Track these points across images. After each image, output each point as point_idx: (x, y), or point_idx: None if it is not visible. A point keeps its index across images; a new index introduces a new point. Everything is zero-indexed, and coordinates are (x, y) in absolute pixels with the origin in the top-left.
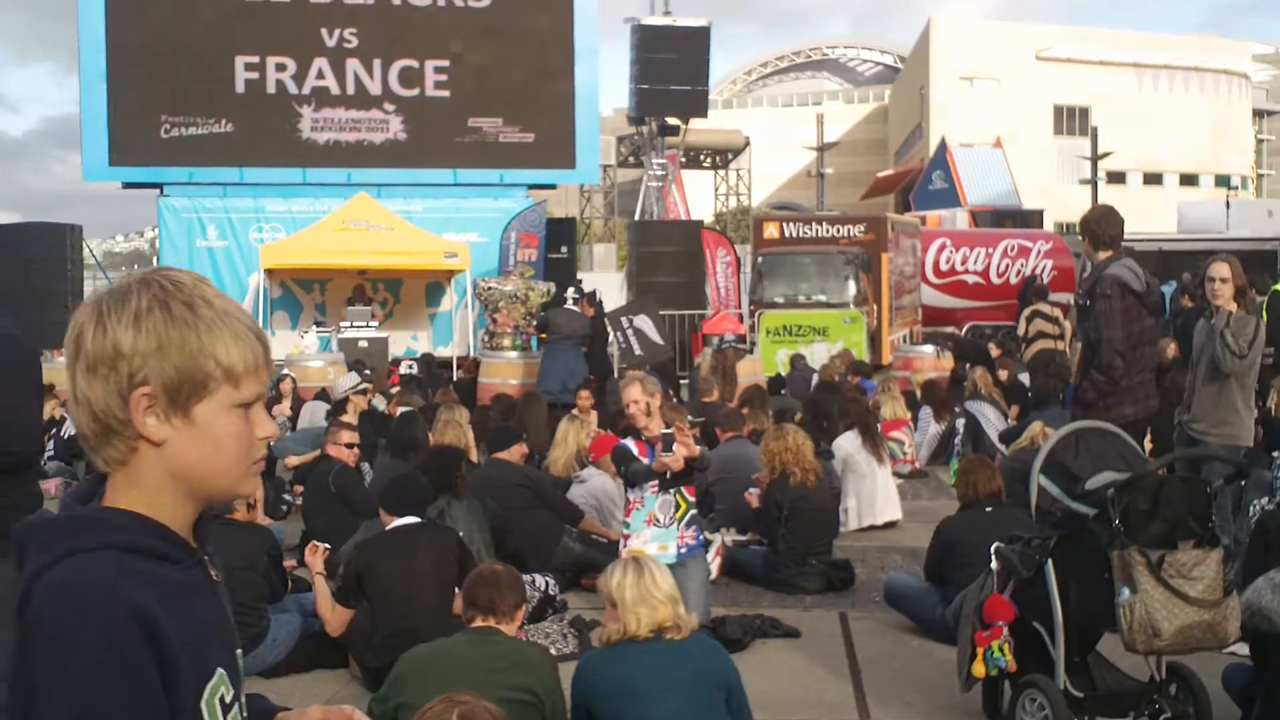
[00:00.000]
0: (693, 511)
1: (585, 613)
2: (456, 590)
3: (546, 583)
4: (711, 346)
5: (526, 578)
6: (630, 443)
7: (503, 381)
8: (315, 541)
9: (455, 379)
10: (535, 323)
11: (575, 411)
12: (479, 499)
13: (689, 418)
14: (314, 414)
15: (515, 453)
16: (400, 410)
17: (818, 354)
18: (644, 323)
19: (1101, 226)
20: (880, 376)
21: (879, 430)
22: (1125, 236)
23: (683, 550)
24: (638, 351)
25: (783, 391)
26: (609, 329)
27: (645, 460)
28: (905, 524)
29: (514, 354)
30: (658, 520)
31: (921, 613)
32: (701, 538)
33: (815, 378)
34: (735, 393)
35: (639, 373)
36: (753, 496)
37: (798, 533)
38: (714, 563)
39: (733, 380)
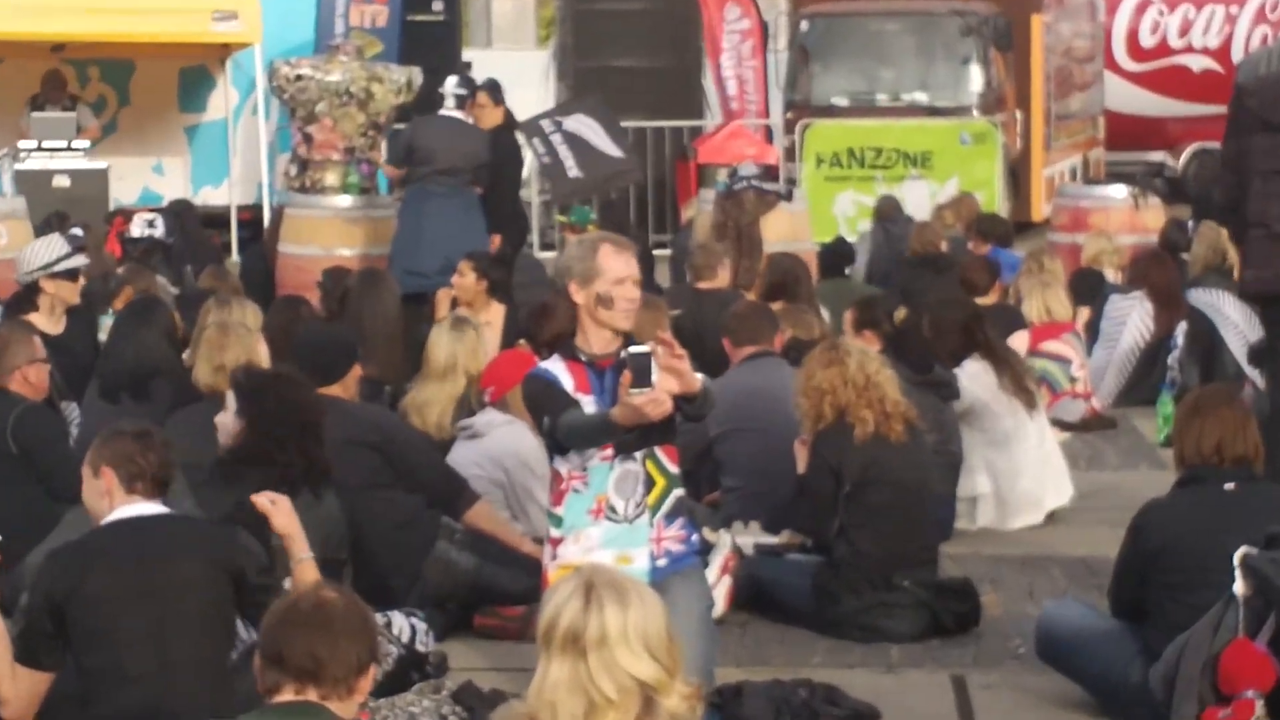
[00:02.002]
0: (677, 493)
1: (481, 676)
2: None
3: (411, 625)
4: (715, 188)
5: (379, 618)
6: (557, 368)
7: (326, 253)
8: None
9: (237, 247)
10: (386, 145)
11: (460, 307)
12: (330, 485)
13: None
14: None
15: (349, 383)
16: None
17: (913, 200)
18: (582, 124)
19: None
20: (1028, 244)
21: (1016, 357)
22: None
23: (660, 563)
24: (574, 172)
25: (846, 271)
26: (523, 145)
27: (591, 404)
28: (1073, 512)
29: (345, 201)
30: (612, 510)
31: (1105, 674)
32: (696, 540)
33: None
34: (758, 271)
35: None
36: (802, 451)
37: (874, 528)
38: (720, 586)
39: (754, 250)
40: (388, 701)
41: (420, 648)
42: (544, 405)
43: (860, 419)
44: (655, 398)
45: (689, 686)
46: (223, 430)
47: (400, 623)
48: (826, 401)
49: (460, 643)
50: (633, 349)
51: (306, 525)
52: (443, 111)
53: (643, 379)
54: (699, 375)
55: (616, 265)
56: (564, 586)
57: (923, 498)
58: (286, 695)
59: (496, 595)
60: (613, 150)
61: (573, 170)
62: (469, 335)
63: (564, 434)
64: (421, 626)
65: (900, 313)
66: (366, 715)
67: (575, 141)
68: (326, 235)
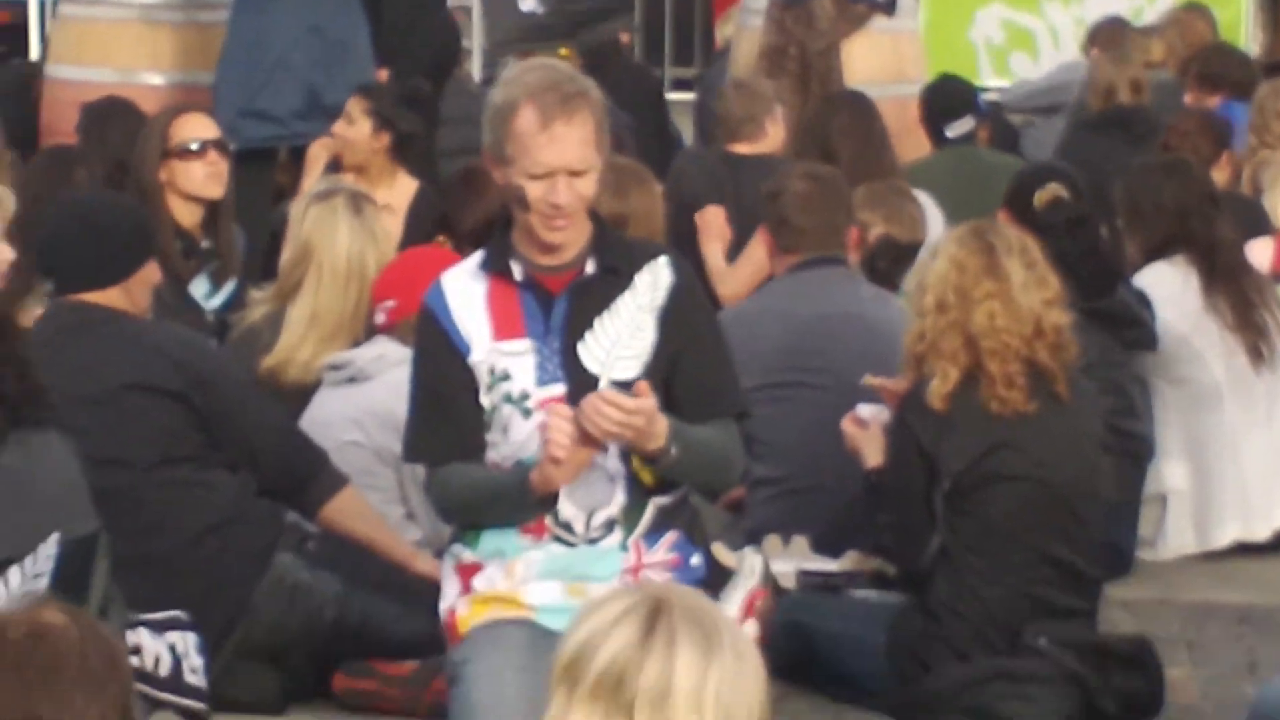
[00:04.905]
0: (665, 499)
1: None
2: None
3: (171, 650)
4: None
5: (154, 645)
6: (466, 292)
7: (122, 78)
8: None
9: None
10: None
11: (346, 174)
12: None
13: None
14: None
15: (137, 288)
16: None
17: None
18: None
19: None
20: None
21: (1252, 274)
22: None
23: None
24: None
25: (965, 130)
26: None
27: (527, 362)
28: None
29: None
30: (566, 527)
31: None
32: (699, 564)
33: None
34: (825, 131)
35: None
36: (862, 434)
37: (994, 554)
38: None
39: (829, 93)
40: None
41: (192, 677)
42: (418, 403)
43: (986, 371)
44: (550, 450)
45: None
46: None
47: (152, 646)
48: (943, 327)
49: (309, 718)
50: (620, 374)
51: (23, 485)
52: None
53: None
54: (665, 420)
55: (541, 145)
56: (612, 604)
57: (1079, 507)
58: None
59: (372, 642)
60: None
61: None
62: (379, 222)
63: (446, 509)
64: (189, 640)
65: (1046, 192)
66: None
67: None
68: (123, 49)
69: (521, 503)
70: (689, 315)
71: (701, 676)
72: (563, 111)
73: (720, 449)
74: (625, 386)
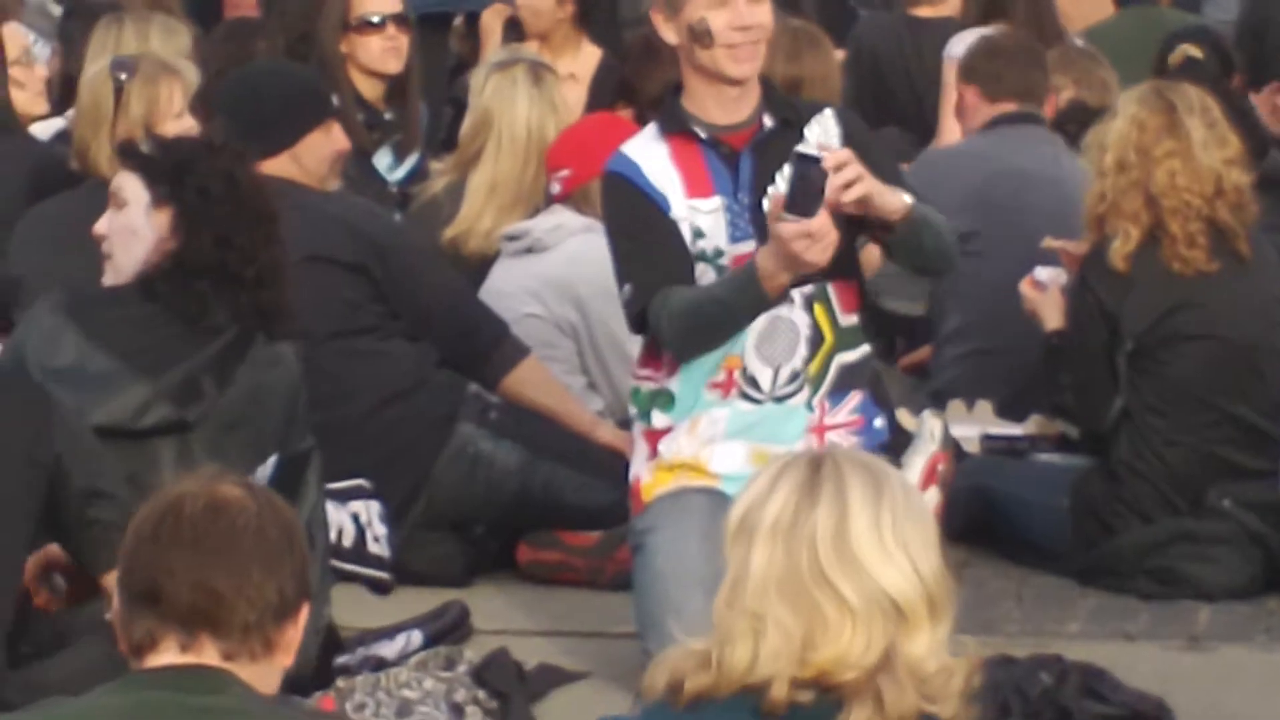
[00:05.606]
0: (849, 356)
1: (524, 643)
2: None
3: (354, 519)
4: None
5: (337, 516)
6: (651, 154)
7: None
8: None
9: None
10: None
11: (530, 41)
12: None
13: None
14: None
15: (307, 155)
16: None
17: None
18: None
19: None
20: None
21: None
22: None
23: None
24: None
25: None
26: None
27: (718, 221)
28: None
29: None
30: (752, 382)
31: None
32: (881, 426)
33: None
34: None
35: None
36: (1040, 297)
37: (1176, 416)
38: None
39: None
40: (367, 680)
41: (375, 547)
42: (628, 255)
43: (1169, 230)
44: (806, 228)
45: (957, 659)
46: (123, 236)
47: (335, 518)
48: (1131, 190)
49: (493, 588)
50: (803, 147)
51: (260, 399)
52: None
53: (807, 199)
54: (904, 196)
55: None
56: (769, 468)
57: (1262, 366)
58: (166, 655)
59: (555, 513)
60: None
61: None
62: (559, 91)
63: (673, 331)
64: (372, 510)
65: (1177, 54)
66: (330, 701)
67: None
68: None
69: (754, 297)
70: (865, 152)
71: (875, 509)
72: None
73: (938, 216)
74: None
